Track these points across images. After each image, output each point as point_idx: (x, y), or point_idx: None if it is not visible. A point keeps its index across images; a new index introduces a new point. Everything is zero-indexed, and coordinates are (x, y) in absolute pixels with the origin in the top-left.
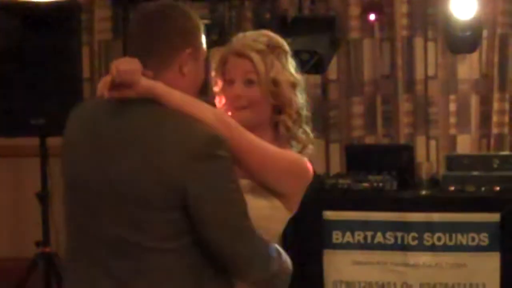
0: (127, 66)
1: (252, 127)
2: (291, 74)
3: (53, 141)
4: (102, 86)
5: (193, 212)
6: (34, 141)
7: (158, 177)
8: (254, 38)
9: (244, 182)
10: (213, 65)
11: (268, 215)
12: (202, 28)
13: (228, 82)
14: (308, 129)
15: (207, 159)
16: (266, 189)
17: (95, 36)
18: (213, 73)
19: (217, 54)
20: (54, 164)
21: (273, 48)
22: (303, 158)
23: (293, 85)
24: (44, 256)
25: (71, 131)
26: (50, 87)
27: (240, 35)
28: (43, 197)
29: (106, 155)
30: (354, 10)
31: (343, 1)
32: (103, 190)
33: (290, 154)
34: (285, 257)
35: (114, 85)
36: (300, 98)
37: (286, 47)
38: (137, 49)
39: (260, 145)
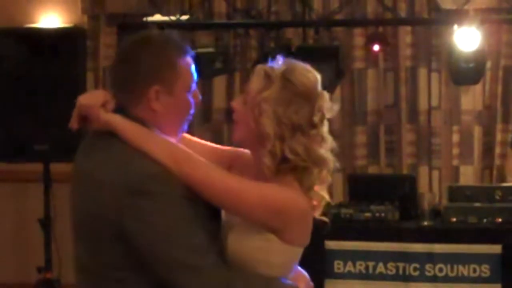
0: (87, 100)
1: (246, 148)
2: (291, 114)
3: (57, 167)
4: (72, 118)
5: (134, 246)
6: (38, 167)
7: (98, 211)
8: (280, 63)
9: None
10: None
11: (263, 247)
12: (178, 62)
13: None
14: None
15: (141, 195)
16: (260, 225)
17: (100, 62)
18: None
19: None
20: (57, 190)
21: (285, 80)
22: (285, 192)
23: (285, 125)
24: (45, 282)
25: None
26: (54, 113)
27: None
28: (46, 223)
29: (73, 189)
30: (358, 40)
31: (347, 31)
32: (72, 222)
33: (265, 188)
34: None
35: (82, 118)
36: (295, 141)
37: (304, 87)
38: (110, 82)
39: (221, 178)
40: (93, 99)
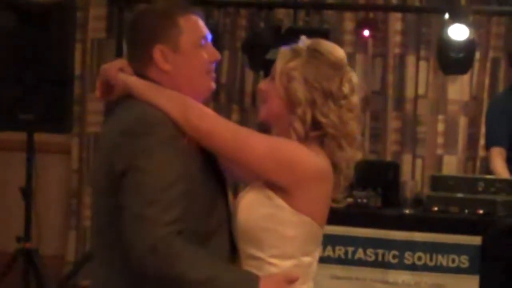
0: (107, 66)
1: (273, 125)
2: (320, 79)
3: (41, 137)
4: (97, 87)
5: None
6: (22, 136)
7: (102, 160)
8: (307, 40)
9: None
10: None
11: (273, 215)
12: (179, 19)
13: None
14: (342, 142)
15: (132, 135)
16: (266, 184)
17: (88, 34)
18: None
19: None
20: (40, 160)
21: (311, 50)
22: (299, 149)
23: (317, 90)
24: (24, 251)
25: None
26: (41, 83)
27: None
28: (27, 193)
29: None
30: (348, 25)
31: (338, 15)
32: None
33: (277, 140)
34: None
35: (106, 87)
36: (327, 108)
37: (331, 55)
38: (126, 54)
39: (228, 128)
40: (113, 65)
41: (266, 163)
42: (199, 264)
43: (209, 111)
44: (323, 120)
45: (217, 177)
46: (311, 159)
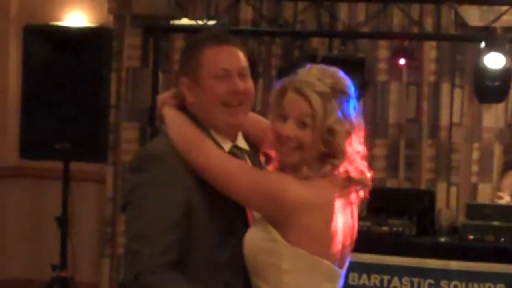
0: (160, 96)
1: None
2: (351, 123)
3: (76, 166)
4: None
5: None
6: (57, 165)
7: None
8: (319, 76)
9: (256, 215)
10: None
11: (271, 249)
12: (201, 51)
13: (282, 117)
14: (364, 177)
15: (134, 171)
16: (265, 218)
17: (123, 63)
18: (270, 99)
19: (278, 82)
20: (75, 189)
21: (337, 92)
22: (286, 182)
23: (350, 135)
24: (59, 280)
25: None
26: (77, 112)
27: (307, 68)
28: (63, 221)
29: None
30: (383, 53)
31: (372, 43)
32: None
33: (263, 174)
34: None
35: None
36: (357, 146)
37: (351, 91)
38: None
39: (220, 162)
40: (162, 96)
41: (252, 197)
42: None
43: (209, 147)
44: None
45: (238, 207)
46: (298, 192)
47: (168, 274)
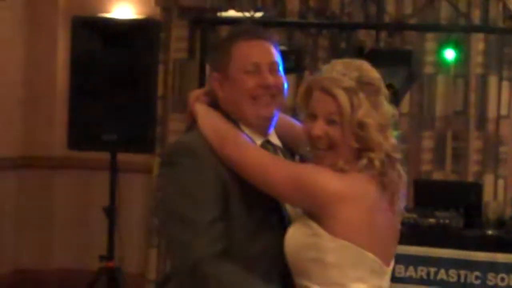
0: (191, 93)
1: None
2: (382, 114)
3: (123, 157)
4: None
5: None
6: (105, 156)
7: None
8: (344, 71)
9: (292, 212)
10: (298, 92)
11: (314, 244)
12: (231, 46)
13: (311, 116)
14: (400, 170)
15: (166, 164)
16: (305, 213)
17: (170, 55)
18: (297, 100)
19: (303, 82)
20: (123, 180)
21: (364, 84)
22: (318, 174)
23: (384, 126)
24: (107, 270)
25: None
26: (124, 104)
27: (331, 64)
28: (110, 212)
29: None
30: (430, 45)
31: (420, 35)
32: None
33: (298, 167)
34: None
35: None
36: (392, 138)
37: (379, 82)
38: None
39: (254, 156)
40: (193, 92)
41: (289, 191)
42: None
43: (243, 142)
44: (394, 155)
45: (272, 201)
46: (332, 182)
47: (226, 264)
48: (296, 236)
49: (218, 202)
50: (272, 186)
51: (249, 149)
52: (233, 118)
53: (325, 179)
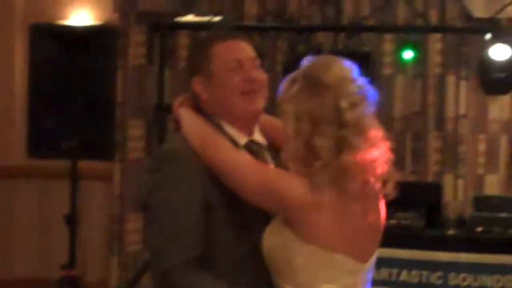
0: (177, 98)
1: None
2: (315, 107)
3: (84, 164)
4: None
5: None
6: (65, 164)
7: None
8: (305, 63)
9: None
10: None
11: (282, 245)
12: (209, 49)
13: None
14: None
15: (151, 171)
16: (281, 218)
17: (129, 60)
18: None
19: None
20: (84, 188)
21: (306, 75)
22: (288, 180)
23: (315, 119)
24: (68, 279)
25: None
26: (83, 110)
27: (310, 60)
28: (71, 219)
29: None
30: (388, 46)
31: (378, 36)
32: None
33: (269, 172)
34: None
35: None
36: (319, 138)
37: (323, 75)
38: None
39: (230, 159)
40: (178, 98)
41: (258, 197)
42: None
43: (223, 146)
44: (318, 147)
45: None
46: (298, 189)
47: (196, 271)
48: (270, 237)
49: (198, 209)
50: (245, 191)
51: (227, 153)
52: (217, 121)
53: (292, 186)
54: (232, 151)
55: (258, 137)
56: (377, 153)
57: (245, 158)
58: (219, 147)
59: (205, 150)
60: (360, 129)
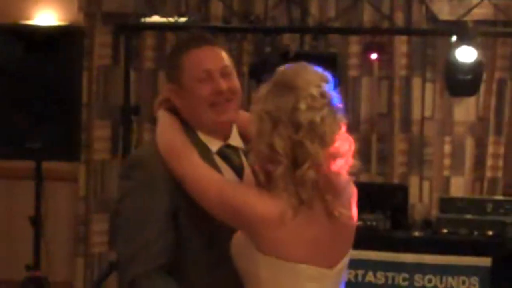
0: (158, 98)
1: None
2: (276, 106)
3: (48, 165)
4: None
5: None
6: (29, 164)
7: None
8: (281, 68)
9: None
10: None
11: (247, 256)
12: (181, 58)
13: None
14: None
15: (122, 178)
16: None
17: (94, 61)
18: None
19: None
20: (48, 189)
21: (275, 79)
22: (247, 195)
23: (274, 118)
24: (33, 280)
25: None
26: (48, 111)
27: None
28: (36, 221)
29: None
30: (354, 48)
31: (344, 38)
32: None
33: (229, 187)
34: None
35: None
36: (278, 139)
37: (291, 78)
38: None
39: (193, 172)
40: (158, 99)
41: (216, 210)
42: None
43: (189, 157)
44: (278, 150)
45: None
46: (259, 205)
47: (162, 279)
48: (236, 247)
49: (165, 216)
50: (204, 203)
51: (193, 166)
52: (191, 126)
53: (251, 203)
54: (197, 164)
55: (234, 140)
56: (339, 164)
57: (209, 172)
58: (185, 159)
59: (172, 160)
60: (317, 135)
